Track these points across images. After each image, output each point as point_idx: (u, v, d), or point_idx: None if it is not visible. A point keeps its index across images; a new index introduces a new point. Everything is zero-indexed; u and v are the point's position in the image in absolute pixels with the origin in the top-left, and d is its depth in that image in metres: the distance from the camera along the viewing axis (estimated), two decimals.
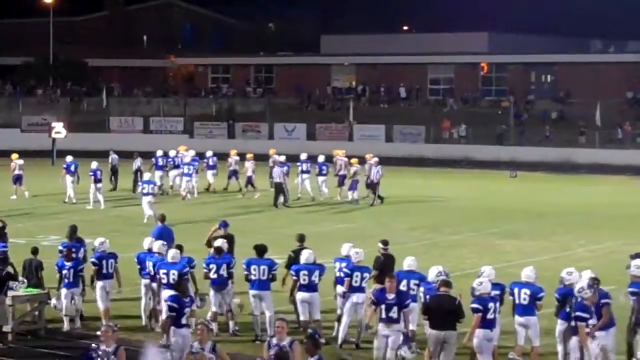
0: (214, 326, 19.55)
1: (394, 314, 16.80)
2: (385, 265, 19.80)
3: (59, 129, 53.35)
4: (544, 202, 42.04)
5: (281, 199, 38.90)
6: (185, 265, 19.55)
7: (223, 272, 19.69)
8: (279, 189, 38.83)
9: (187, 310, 16.67)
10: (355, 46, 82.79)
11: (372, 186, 39.31)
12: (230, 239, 22.25)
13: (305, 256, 19.36)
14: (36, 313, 20.08)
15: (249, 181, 41.77)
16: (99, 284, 20.29)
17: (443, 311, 16.59)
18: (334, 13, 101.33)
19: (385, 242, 20.69)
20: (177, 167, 42.16)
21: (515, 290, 17.28)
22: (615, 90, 68.00)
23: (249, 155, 41.74)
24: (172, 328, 16.48)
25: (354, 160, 40.25)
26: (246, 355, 18.28)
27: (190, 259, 20.08)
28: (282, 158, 40.45)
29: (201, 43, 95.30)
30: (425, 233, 33.05)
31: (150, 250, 20.55)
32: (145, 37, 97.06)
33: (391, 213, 38.07)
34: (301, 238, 21.13)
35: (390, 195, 43.39)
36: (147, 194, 34.89)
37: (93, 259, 20.40)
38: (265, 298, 19.41)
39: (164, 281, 19.39)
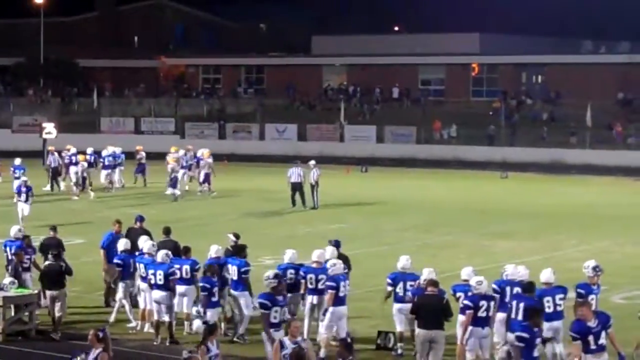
0: None
1: (603, 339, 14.69)
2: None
3: (49, 129, 53.11)
4: (535, 202, 42.07)
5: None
6: (171, 266, 19.44)
7: (224, 273, 19.54)
8: (295, 188, 38.69)
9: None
10: (346, 47, 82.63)
11: (299, 188, 38.76)
12: (147, 233, 22.23)
13: (289, 255, 19.21)
14: (26, 314, 20.02)
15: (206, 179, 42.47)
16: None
17: (432, 310, 16.57)
18: (325, 14, 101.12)
19: (236, 235, 20.68)
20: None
21: (507, 289, 17.21)
22: (606, 91, 67.96)
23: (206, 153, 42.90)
24: None
25: (206, 154, 42.46)
26: (239, 355, 18.31)
27: (195, 261, 19.96)
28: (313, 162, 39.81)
29: (192, 43, 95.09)
30: (417, 234, 33.04)
31: (141, 252, 20.52)
32: (136, 38, 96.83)
33: (382, 213, 38.08)
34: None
35: (382, 196, 43.48)
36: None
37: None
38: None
39: (152, 282, 19.39)
